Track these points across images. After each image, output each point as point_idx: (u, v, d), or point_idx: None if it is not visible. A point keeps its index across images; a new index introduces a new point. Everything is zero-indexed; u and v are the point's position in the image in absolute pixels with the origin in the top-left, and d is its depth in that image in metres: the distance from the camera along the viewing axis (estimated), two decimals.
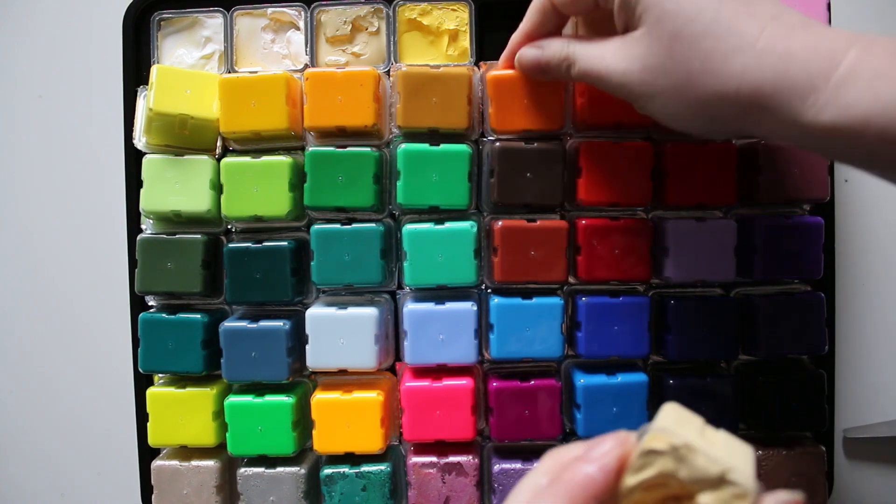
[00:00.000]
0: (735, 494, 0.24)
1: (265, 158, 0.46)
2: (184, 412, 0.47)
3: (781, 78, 0.31)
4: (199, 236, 0.47)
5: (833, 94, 0.30)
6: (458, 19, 0.48)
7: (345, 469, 0.47)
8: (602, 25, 0.40)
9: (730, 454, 0.26)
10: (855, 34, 0.31)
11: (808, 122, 0.31)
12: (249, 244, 0.47)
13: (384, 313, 0.47)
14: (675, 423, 0.27)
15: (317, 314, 0.46)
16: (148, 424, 0.47)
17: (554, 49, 0.40)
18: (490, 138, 0.46)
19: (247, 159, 0.46)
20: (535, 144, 0.45)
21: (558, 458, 0.27)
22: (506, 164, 0.45)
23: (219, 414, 0.47)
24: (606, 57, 0.37)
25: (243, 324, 0.46)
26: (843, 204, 0.52)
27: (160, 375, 0.50)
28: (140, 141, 0.48)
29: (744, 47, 0.32)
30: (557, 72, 0.40)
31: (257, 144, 0.48)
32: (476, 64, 0.48)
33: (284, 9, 0.49)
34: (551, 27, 0.41)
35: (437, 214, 0.47)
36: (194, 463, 0.48)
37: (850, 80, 0.30)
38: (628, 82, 0.36)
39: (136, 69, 0.49)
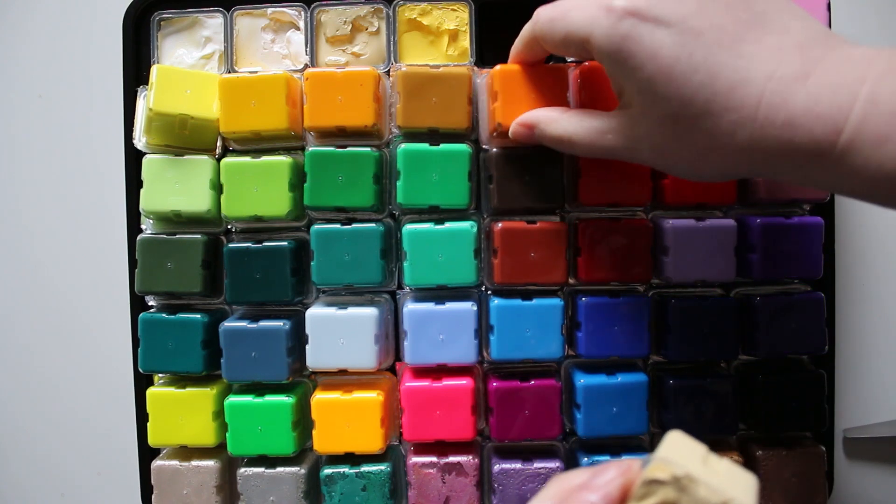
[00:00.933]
0: None
1: (265, 158, 0.46)
2: (184, 412, 0.47)
3: (788, 149, 0.31)
4: (199, 236, 0.47)
5: (839, 160, 0.30)
6: (458, 19, 0.48)
7: (345, 469, 0.47)
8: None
9: (732, 483, 0.26)
10: (866, 65, 0.29)
11: (823, 181, 0.31)
12: (249, 244, 0.47)
13: (384, 313, 0.47)
14: (679, 451, 0.27)
15: (317, 314, 0.46)
16: (148, 424, 0.47)
17: (547, 130, 0.39)
18: (485, 146, 0.46)
19: (247, 159, 0.46)
20: (533, 147, 0.45)
21: (563, 485, 0.28)
22: (504, 169, 0.45)
23: (219, 414, 0.47)
24: (609, 137, 0.36)
25: (243, 324, 0.46)
26: (843, 204, 0.52)
27: (160, 375, 0.50)
28: (140, 141, 0.48)
29: (744, 122, 0.31)
30: (558, 148, 0.40)
31: (257, 144, 0.48)
32: (476, 64, 0.48)
33: (284, 9, 0.49)
34: (540, 56, 0.41)
35: (437, 214, 0.47)
36: (194, 463, 0.48)
37: (855, 148, 0.29)
38: (639, 160, 0.36)
39: (136, 69, 0.49)
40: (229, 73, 0.49)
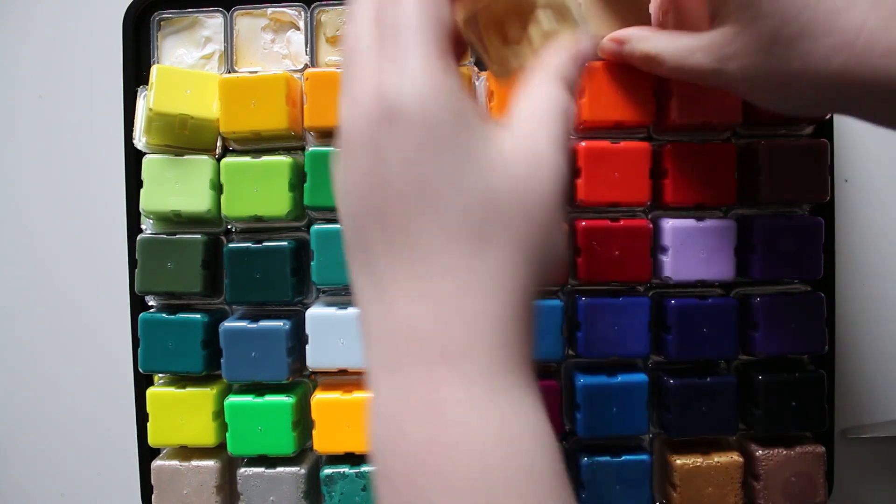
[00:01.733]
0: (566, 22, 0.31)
1: (265, 158, 0.46)
2: (184, 412, 0.47)
3: (884, 80, 0.30)
4: (199, 236, 0.47)
5: None
6: None
7: (345, 469, 0.47)
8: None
9: None
10: None
11: None
12: (249, 244, 0.47)
13: None
14: None
15: (317, 314, 0.46)
16: (148, 424, 0.47)
17: (637, 47, 0.39)
18: None
19: (247, 159, 0.46)
20: None
21: None
22: None
23: (219, 414, 0.47)
24: (698, 56, 0.35)
25: (243, 324, 0.46)
26: (843, 204, 0.52)
27: (160, 375, 0.50)
28: (140, 141, 0.48)
29: (843, 46, 0.30)
30: (646, 67, 0.39)
31: (257, 144, 0.48)
32: (476, 64, 0.48)
33: (284, 9, 0.49)
34: None
35: None
36: (194, 463, 0.48)
37: None
38: (724, 82, 0.35)
39: (136, 69, 0.49)
40: (229, 73, 0.49)
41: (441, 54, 0.26)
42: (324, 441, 0.46)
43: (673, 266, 0.45)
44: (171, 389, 0.47)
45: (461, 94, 0.26)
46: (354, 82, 0.27)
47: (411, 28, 0.26)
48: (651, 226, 0.46)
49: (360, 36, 0.27)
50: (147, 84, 0.47)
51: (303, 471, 0.47)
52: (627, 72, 0.44)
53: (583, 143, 0.45)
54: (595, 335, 0.45)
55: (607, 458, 0.46)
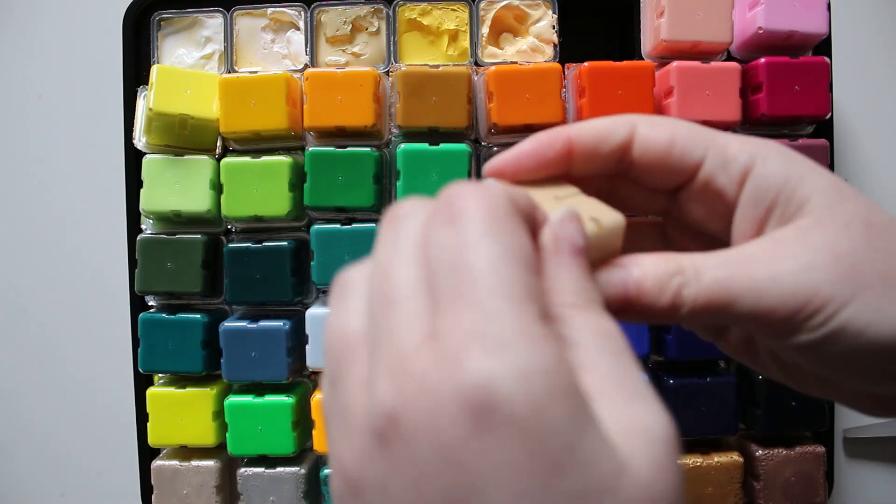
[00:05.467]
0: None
1: (265, 158, 0.46)
2: (184, 412, 0.47)
3: None
4: (199, 236, 0.47)
5: None
6: (458, 19, 0.48)
7: None
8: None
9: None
10: None
11: None
12: (249, 244, 0.47)
13: None
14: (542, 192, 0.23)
15: (317, 314, 0.46)
16: (148, 424, 0.47)
17: (657, 270, 0.23)
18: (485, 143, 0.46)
19: (247, 159, 0.46)
20: None
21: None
22: None
23: (219, 414, 0.47)
24: (762, 262, 0.22)
25: (243, 324, 0.46)
26: None
27: (160, 375, 0.50)
28: (140, 141, 0.48)
29: None
30: (657, 303, 0.23)
31: (257, 144, 0.48)
32: (477, 63, 0.48)
33: (284, 9, 0.49)
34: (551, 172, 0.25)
35: None
36: (194, 463, 0.48)
37: None
38: (812, 283, 0.22)
39: (136, 69, 0.49)
40: (229, 73, 0.49)
41: (540, 316, 0.18)
42: (324, 441, 0.46)
43: None
44: (171, 389, 0.47)
45: (573, 380, 0.17)
46: (405, 357, 0.17)
47: (497, 278, 0.17)
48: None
49: (401, 286, 0.18)
50: (147, 84, 0.47)
51: (303, 471, 0.47)
52: (628, 75, 0.44)
53: None
54: None
55: None
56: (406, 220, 0.20)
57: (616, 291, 0.22)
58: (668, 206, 0.27)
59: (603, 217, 0.22)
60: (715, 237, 0.25)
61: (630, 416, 0.18)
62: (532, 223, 0.20)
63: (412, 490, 0.16)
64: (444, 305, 0.17)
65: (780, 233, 0.23)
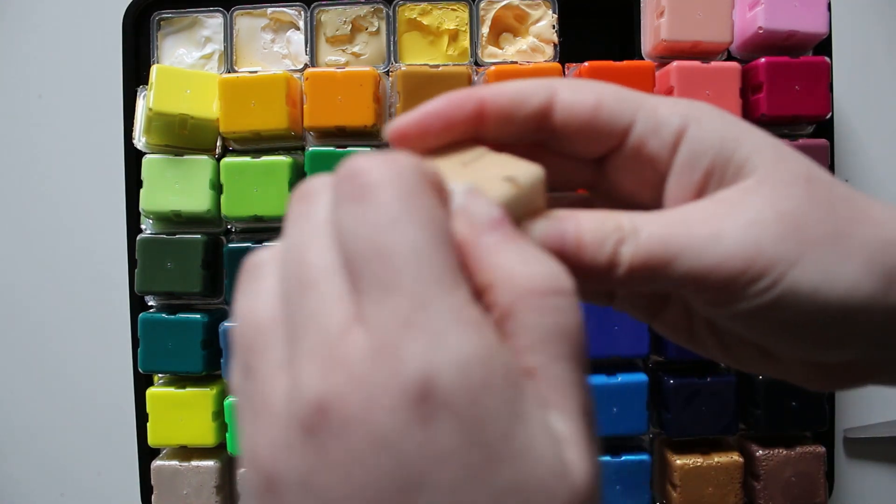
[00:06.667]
0: None
1: (265, 158, 0.46)
2: (183, 412, 0.47)
3: None
4: (199, 236, 0.47)
5: None
6: (458, 19, 0.48)
7: None
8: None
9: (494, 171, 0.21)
10: None
11: None
12: (249, 244, 0.47)
13: None
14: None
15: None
16: (148, 424, 0.47)
17: (596, 225, 0.21)
18: None
19: (247, 159, 0.46)
20: None
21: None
22: None
23: (219, 414, 0.47)
24: (703, 220, 0.21)
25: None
26: None
27: (160, 375, 0.50)
28: (140, 141, 0.48)
29: (879, 204, 0.22)
30: (595, 260, 0.21)
31: (257, 144, 0.48)
32: (477, 63, 0.48)
33: (284, 9, 0.49)
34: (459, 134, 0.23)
35: None
36: (194, 463, 0.48)
37: None
38: (757, 241, 0.20)
39: (136, 69, 0.49)
40: (229, 73, 0.49)
41: (471, 298, 0.17)
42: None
43: None
44: (171, 389, 0.47)
45: (512, 368, 0.17)
46: (317, 358, 0.16)
47: (421, 261, 0.16)
48: None
49: (317, 268, 0.17)
50: (147, 84, 0.47)
51: None
52: (628, 75, 0.44)
53: None
54: (595, 335, 0.45)
55: (607, 458, 0.46)
56: (315, 196, 0.19)
57: (553, 245, 0.21)
58: (594, 178, 0.25)
59: (519, 173, 0.20)
60: (647, 210, 0.23)
61: (578, 427, 0.17)
62: (441, 195, 0.19)
63: (342, 484, 0.16)
64: (367, 292, 0.16)
65: (722, 194, 0.22)
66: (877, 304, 0.21)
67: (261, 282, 0.19)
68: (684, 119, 0.22)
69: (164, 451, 0.49)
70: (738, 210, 0.21)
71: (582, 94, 0.22)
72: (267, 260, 0.19)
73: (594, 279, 0.21)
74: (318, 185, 0.19)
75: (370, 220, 0.17)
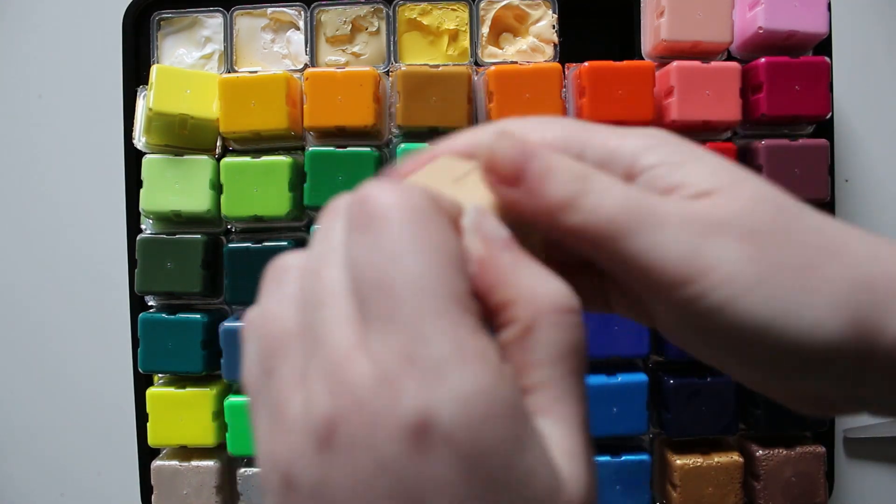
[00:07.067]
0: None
1: (265, 158, 0.46)
2: (183, 412, 0.47)
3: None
4: (199, 236, 0.47)
5: None
6: (458, 19, 0.48)
7: None
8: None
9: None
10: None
11: None
12: (249, 244, 0.47)
13: None
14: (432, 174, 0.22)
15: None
16: (148, 424, 0.47)
17: (571, 164, 0.21)
18: None
19: (247, 159, 0.46)
20: None
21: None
22: None
23: (219, 414, 0.47)
24: (675, 212, 0.20)
25: (243, 324, 0.46)
26: (843, 204, 0.52)
27: (160, 375, 0.50)
28: (140, 141, 0.48)
29: (858, 235, 0.22)
30: (553, 192, 0.20)
31: (257, 144, 0.48)
32: (477, 63, 0.48)
33: (284, 9, 0.49)
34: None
35: None
36: (194, 463, 0.48)
37: None
38: (720, 249, 0.20)
39: (136, 69, 0.49)
40: (229, 73, 0.49)
41: (475, 328, 0.17)
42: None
43: None
44: (171, 389, 0.47)
45: (514, 397, 0.17)
46: (324, 378, 0.17)
47: (424, 294, 0.17)
48: None
49: (329, 288, 0.18)
50: (147, 84, 0.47)
51: None
52: (628, 75, 0.44)
53: None
54: (595, 335, 0.45)
55: (607, 458, 0.46)
56: (339, 215, 0.19)
57: (518, 163, 0.20)
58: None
59: None
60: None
61: (574, 441, 0.18)
62: (454, 219, 0.19)
63: (350, 498, 0.16)
64: (372, 322, 0.17)
65: (696, 202, 0.20)
66: (842, 350, 0.19)
67: (285, 287, 0.19)
68: (634, 149, 0.22)
69: (164, 451, 0.49)
70: (704, 214, 0.20)
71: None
72: (293, 265, 0.19)
73: (538, 214, 0.20)
74: (343, 203, 0.19)
75: (375, 250, 0.17)
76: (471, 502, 0.16)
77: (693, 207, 0.20)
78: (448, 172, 0.22)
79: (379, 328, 0.17)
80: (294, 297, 0.19)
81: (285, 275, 0.19)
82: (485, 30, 0.48)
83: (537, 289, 0.18)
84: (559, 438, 0.18)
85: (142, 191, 0.47)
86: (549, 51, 0.48)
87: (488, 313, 0.18)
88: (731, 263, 0.19)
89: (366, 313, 0.17)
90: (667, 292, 0.20)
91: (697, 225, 0.20)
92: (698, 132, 0.46)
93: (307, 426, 0.17)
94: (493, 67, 0.45)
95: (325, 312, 0.18)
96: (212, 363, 0.48)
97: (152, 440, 0.47)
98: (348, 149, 0.46)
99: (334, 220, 0.19)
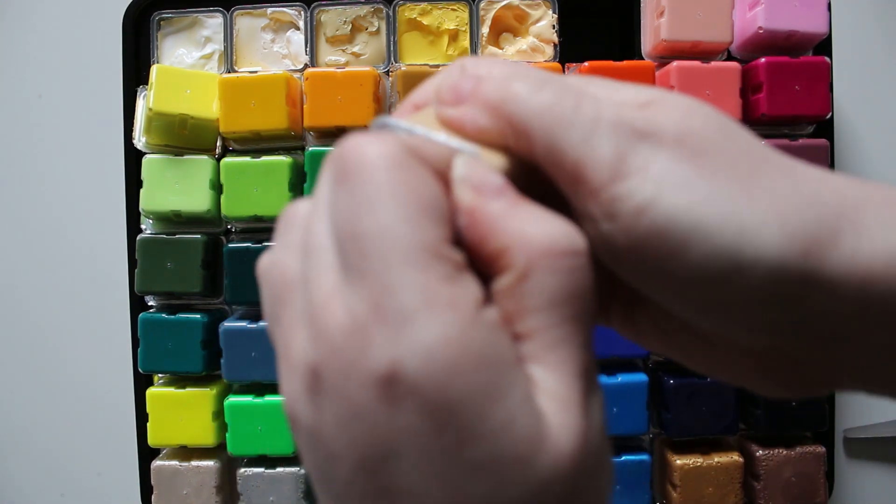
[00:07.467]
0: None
1: (265, 158, 0.46)
2: (183, 412, 0.47)
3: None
4: (199, 236, 0.47)
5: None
6: (458, 19, 0.48)
7: None
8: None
9: None
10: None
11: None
12: (249, 244, 0.47)
13: None
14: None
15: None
16: (148, 424, 0.47)
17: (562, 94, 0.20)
18: None
19: (247, 159, 0.46)
20: None
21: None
22: None
23: (219, 414, 0.47)
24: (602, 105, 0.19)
25: (243, 324, 0.46)
26: None
27: (160, 375, 0.50)
28: (140, 141, 0.48)
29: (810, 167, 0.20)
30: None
31: (257, 144, 0.48)
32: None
33: (284, 9, 0.49)
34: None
35: None
36: (194, 463, 0.48)
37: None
38: (651, 158, 0.19)
39: (136, 69, 0.49)
40: (229, 73, 0.49)
41: (446, 275, 0.17)
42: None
43: None
44: (171, 389, 0.47)
45: (489, 344, 0.17)
46: (306, 324, 0.18)
47: (394, 244, 0.17)
48: None
49: (317, 239, 0.18)
50: (147, 84, 0.47)
51: (303, 471, 0.47)
52: (628, 75, 0.44)
53: None
54: (595, 335, 0.45)
55: None
56: (329, 166, 0.19)
57: (452, 83, 0.20)
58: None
59: None
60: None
61: (570, 388, 0.18)
62: (444, 168, 0.19)
63: (336, 441, 0.17)
64: (346, 273, 0.17)
65: (633, 109, 0.19)
66: (782, 271, 0.18)
67: (291, 235, 0.20)
68: (578, 80, 0.21)
69: (164, 451, 0.49)
70: (641, 119, 0.19)
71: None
72: (300, 214, 0.20)
73: (483, 132, 0.20)
74: (332, 154, 0.20)
75: (351, 201, 0.17)
76: (441, 452, 0.16)
77: (630, 112, 0.19)
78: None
79: (354, 278, 0.17)
80: (297, 245, 0.19)
81: (292, 223, 0.20)
82: (485, 30, 0.48)
83: (530, 232, 0.18)
84: (552, 386, 0.17)
85: (142, 191, 0.47)
86: (549, 51, 0.48)
87: (485, 264, 0.18)
88: (661, 164, 0.18)
89: (343, 263, 0.17)
90: (595, 195, 0.19)
91: (630, 127, 0.19)
92: None
93: (300, 371, 0.18)
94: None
95: (313, 262, 0.18)
96: (212, 363, 0.48)
97: (152, 440, 0.47)
98: None
99: (326, 170, 0.19)
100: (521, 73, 0.20)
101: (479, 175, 0.19)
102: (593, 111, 0.19)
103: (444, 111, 0.20)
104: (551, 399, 0.17)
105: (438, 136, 0.20)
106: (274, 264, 0.20)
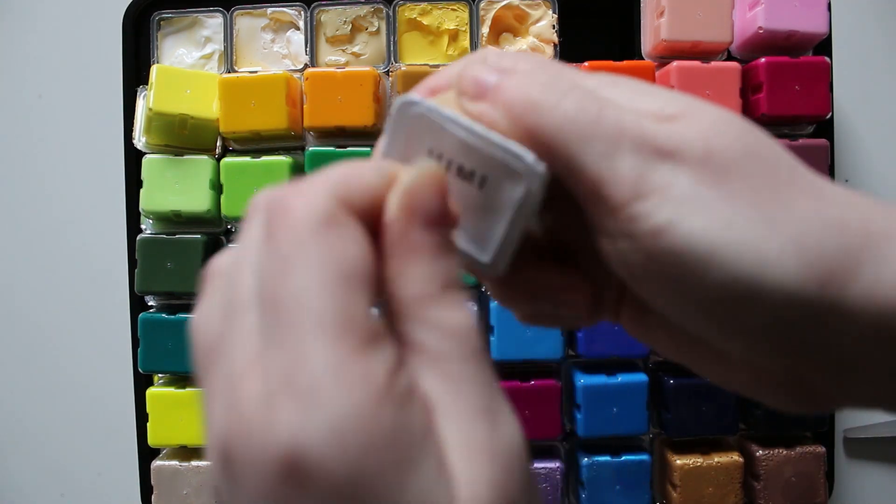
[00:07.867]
0: None
1: (265, 158, 0.46)
2: (184, 412, 0.47)
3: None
4: (199, 236, 0.47)
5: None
6: (458, 19, 0.48)
7: None
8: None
9: None
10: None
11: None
12: None
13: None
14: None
15: None
16: (148, 424, 0.47)
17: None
18: None
19: (247, 159, 0.46)
20: None
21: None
22: None
23: None
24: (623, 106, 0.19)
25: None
26: None
27: (160, 375, 0.50)
28: (140, 141, 0.48)
29: (836, 186, 0.19)
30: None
31: (257, 144, 0.48)
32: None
33: (284, 9, 0.49)
34: None
35: None
36: (194, 463, 0.48)
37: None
38: (672, 179, 0.18)
39: (136, 69, 0.49)
40: (229, 73, 0.49)
41: (358, 345, 0.16)
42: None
43: None
44: (171, 389, 0.47)
45: (398, 415, 0.16)
46: (222, 395, 0.17)
47: (308, 311, 0.16)
48: None
49: (241, 297, 0.17)
50: (147, 84, 0.47)
51: None
52: (628, 75, 0.43)
53: None
54: (595, 335, 0.45)
55: (607, 458, 0.46)
56: (258, 213, 0.18)
57: (474, 77, 0.20)
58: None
59: None
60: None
61: (472, 435, 0.17)
62: (377, 209, 0.18)
63: None
64: (266, 337, 0.16)
65: (655, 124, 0.19)
66: (804, 300, 0.17)
67: (214, 292, 0.19)
68: (598, 81, 0.21)
69: (164, 451, 0.49)
70: (662, 136, 0.18)
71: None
72: (222, 269, 0.19)
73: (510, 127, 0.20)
74: (262, 202, 0.18)
75: (275, 260, 0.17)
76: None
77: (653, 126, 0.19)
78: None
79: (269, 345, 0.16)
80: (220, 302, 0.18)
81: (215, 278, 0.19)
82: (485, 30, 0.48)
83: (416, 285, 0.17)
84: (455, 434, 0.16)
85: (142, 191, 0.47)
86: (550, 51, 0.48)
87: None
88: (681, 186, 0.18)
89: (263, 326, 0.16)
90: (613, 212, 0.18)
91: (653, 145, 0.18)
92: None
93: (215, 449, 0.16)
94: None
95: (236, 323, 0.17)
96: None
97: (152, 440, 0.47)
98: (348, 149, 0.46)
99: (254, 217, 0.18)
100: (544, 74, 0.20)
101: (408, 200, 0.18)
102: (616, 123, 0.19)
103: (465, 104, 0.20)
104: (456, 449, 0.16)
105: (471, 123, 0.19)
106: (197, 323, 0.18)
